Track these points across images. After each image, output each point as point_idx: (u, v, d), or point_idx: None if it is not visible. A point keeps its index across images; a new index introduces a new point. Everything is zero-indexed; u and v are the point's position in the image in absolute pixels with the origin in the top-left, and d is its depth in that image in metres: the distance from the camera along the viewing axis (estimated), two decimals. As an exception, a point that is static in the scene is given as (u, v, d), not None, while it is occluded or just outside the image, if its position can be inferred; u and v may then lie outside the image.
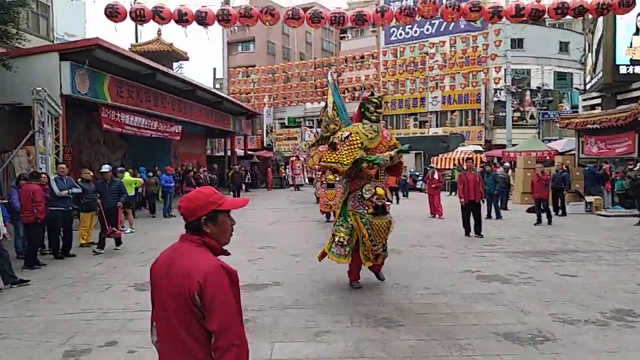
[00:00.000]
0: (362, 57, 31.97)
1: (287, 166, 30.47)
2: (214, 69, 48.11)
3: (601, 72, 17.66)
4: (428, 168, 15.22)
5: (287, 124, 41.94)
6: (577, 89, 29.39)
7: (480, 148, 29.20)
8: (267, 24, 10.37)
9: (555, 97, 33.29)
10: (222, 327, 1.73)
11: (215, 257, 1.88)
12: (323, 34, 48.85)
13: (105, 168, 9.86)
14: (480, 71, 29.35)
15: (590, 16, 13.29)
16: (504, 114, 29.62)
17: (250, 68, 35.78)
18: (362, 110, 6.47)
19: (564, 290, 6.23)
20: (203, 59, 79.75)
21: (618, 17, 14.76)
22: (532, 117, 32.71)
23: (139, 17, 10.05)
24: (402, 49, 32.21)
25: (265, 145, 39.27)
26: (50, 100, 11.52)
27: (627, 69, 16.77)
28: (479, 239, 10.29)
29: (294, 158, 28.19)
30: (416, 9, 9.87)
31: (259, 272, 7.28)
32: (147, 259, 8.45)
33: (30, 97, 11.07)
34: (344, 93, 34.38)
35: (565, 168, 15.71)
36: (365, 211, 6.18)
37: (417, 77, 31.09)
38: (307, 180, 27.99)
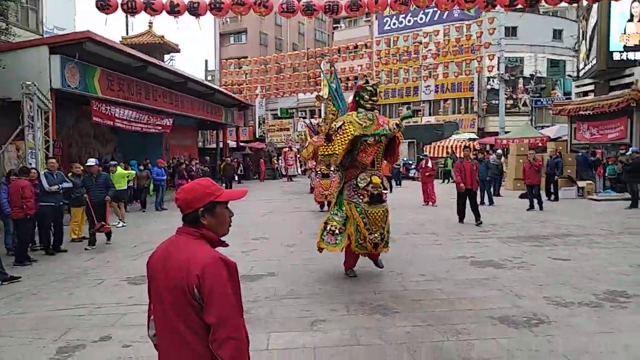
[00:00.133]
0: (356, 47, 31.82)
1: (280, 157, 30.40)
2: (206, 61, 47.84)
3: (595, 59, 17.70)
4: (422, 157, 15.23)
5: (279, 115, 41.79)
6: (570, 76, 29.45)
7: (474, 136, 29.26)
8: (260, 14, 10.27)
9: (548, 85, 33.35)
10: (220, 320, 1.71)
11: (214, 249, 1.86)
12: (316, 25, 48.55)
13: (92, 162, 9.60)
14: (473, 59, 29.26)
15: (585, 3, 13.25)
16: (497, 101, 29.65)
17: (242, 59, 35.51)
18: (357, 98, 6.39)
19: (557, 273, 6.27)
20: (195, 50, 79.21)
21: (613, 3, 14.73)
22: (524, 104, 32.76)
23: (131, 8, 9.91)
24: (395, 38, 32.03)
25: (257, 136, 39.13)
26: (40, 94, 11.38)
27: (621, 55, 16.83)
28: (472, 226, 10.30)
29: (287, 149, 28.11)
30: None
31: (253, 263, 7.26)
32: (140, 253, 8.41)
33: (19, 92, 10.93)
34: (327, 74, 34.18)
35: (558, 154, 15.77)
36: (361, 200, 6.11)
37: (411, 67, 31.00)
38: (300, 171, 27.97)
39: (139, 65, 16.20)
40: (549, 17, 35.47)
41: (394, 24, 35.72)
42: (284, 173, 29.03)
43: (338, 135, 6.06)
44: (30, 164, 10.38)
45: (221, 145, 29.75)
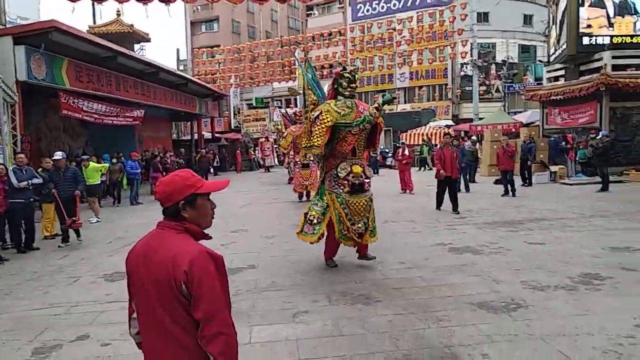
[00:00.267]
0: (330, 34, 31.62)
1: (257, 148, 30.16)
2: (177, 50, 46.88)
3: (565, 44, 18.00)
4: (398, 145, 15.30)
5: (254, 104, 41.36)
6: (540, 61, 29.98)
7: (451, 122, 29.57)
8: (233, 2, 10.05)
9: (520, 70, 33.87)
10: (209, 315, 1.68)
11: (197, 242, 1.81)
12: (289, 12, 48.01)
13: (58, 155, 9.21)
14: (447, 46, 29.50)
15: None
16: (470, 88, 29.97)
17: (215, 48, 34.96)
18: (335, 86, 6.28)
19: (533, 258, 6.41)
20: (165, 40, 77.43)
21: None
22: (497, 90, 33.24)
23: (97, -5, 9.57)
24: (369, 25, 31.96)
25: (233, 127, 38.68)
26: (5, 86, 10.95)
27: (590, 39, 17.15)
28: (449, 213, 10.41)
29: (263, 139, 27.91)
30: None
31: (233, 256, 7.19)
32: (115, 249, 8.25)
33: (-18, 84, 10.48)
34: (303, 64, 33.96)
35: (531, 139, 16.06)
36: (342, 190, 6.05)
37: (385, 54, 31.03)
38: (277, 161, 27.83)
39: (108, 55, 15.75)
40: (519, 3, 35.91)
41: (368, 10, 35.63)
42: (261, 164, 28.83)
43: (316, 125, 5.98)
44: (-3, 159, 10.01)
45: (196, 136, 29.32)
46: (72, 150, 17.71)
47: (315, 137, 5.96)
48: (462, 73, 33.29)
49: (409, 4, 32.56)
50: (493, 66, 33.33)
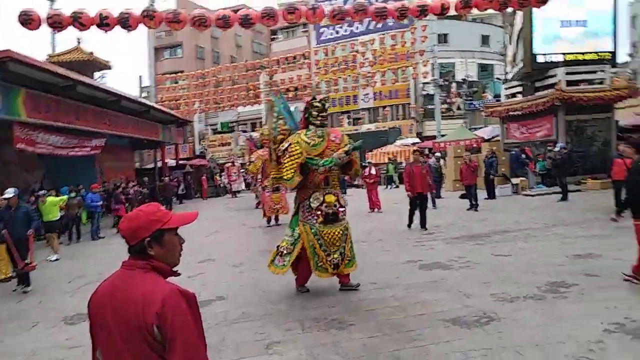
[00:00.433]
0: (294, 57, 31.99)
1: (223, 173, 29.82)
2: (140, 77, 46.20)
3: (521, 62, 18.74)
4: (365, 164, 15.41)
5: (220, 129, 41.12)
6: (498, 79, 31.09)
7: (417, 140, 30.11)
8: (199, 29, 9.97)
9: (479, 88, 35.08)
10: (186, 358, 1.56)
11: (166, 280, 1.71)
12: (253, 36, 48.38)
13: (9, 193, 8.47)
14: (409, 66, 30.26)
15: (510, 10, 13.97)
16: (432, 106, 30.74)
17: (178, 74, 34.72)
18: (306, 115, 6.24)
19: (500, 270, 6.49)
20: (128, 66, 76.52)
21: (535, 10, 15.64)
22: (458, 107, 34.24)
23: (56, 23, 9.26)
24: (333, 48, 32.55)
25: (198, 153, 38.22)
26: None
27: (545, 58, 17.93)
28: (417, 229, 10.47)
29: (229, 164, 27.63)
30: (347, 13, 9.89)
31: (200, 288, 6.91)
32: (76, 288, 7.85)
33: None
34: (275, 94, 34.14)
35: (492, 154, 16.47)
36: (315, 221, 5.94)
37: (349, 75, 31.56)
38: (244, 186, 27.57)
39: (67, 84, 15.34)
40: (476, 24, 37.42)
41: (331, 34, 36.32)
42: (228, 189, 28.49)
43: (286, 158, 5.90)
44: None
45: (160, 164, 28.74)
46: (28, 185, 17.02)
47: (285, 169, 5.87)
48: (424, 92, 34.17)
49: (371, 27, 33.36)
50: (454, 85, 34.39)
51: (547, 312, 4.72)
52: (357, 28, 34.98)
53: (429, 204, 14.17)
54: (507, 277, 6.06)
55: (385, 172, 24.20)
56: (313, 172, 6.00)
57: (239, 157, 26.78)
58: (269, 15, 9.61)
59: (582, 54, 17.93)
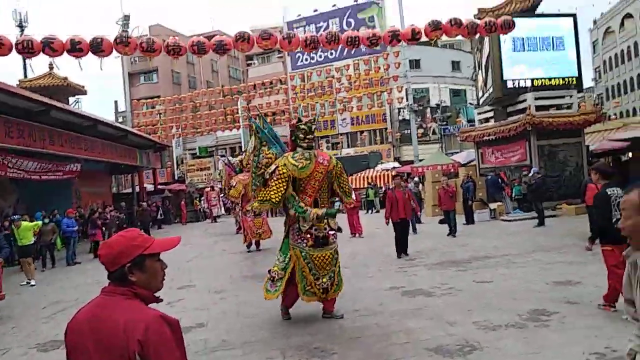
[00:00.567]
0: (271, 82, 32.22)
1: (202, 198, 29.52)
2: (116, 102, 45.70)
3: (491, 87, 19.28)
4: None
5: (198, 154, 40.85)
6: (471, 104, 31.91)
7: (397, 165, 30.47)
8: (173, 57, 9.99)
9: (453, 113, 35.94)
10: None
11: (147, 306, 1.67)
12: (229, 61, 48.63)
13: None
14: (383, 92, 30.83)
15: (477, 36, 14.43)
16: (408, 131, 31.27)
17: (154, 99, 34.52)
18: (293, 138, 6.22)
19: (482, 296, 6.53)
20: (103, 91, 75.67)
21: (502, 36, 16.23)
22: (434, 132, 34.92)
23: (27, 49, 9.14)
24: (309, 73, 33.04)
25: (176, 177, 37.85)
26: None
27: (514, 83, 18.50)
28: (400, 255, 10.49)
29: (209, 189, 27.41)
30: (319, 42, 10.07)
31: (180, 314, 6.76)
32: (50, 315, 7.62)
33: None
34: (255, 119, 34.27)
35: (469, 178, 16.75)
36: (305, 244, 5.88)
37: (326, 101, 31.93)
38: (224, 211, 27.31)
39: (41, 109, 15.12)
40: (447, 50, 38.55)
41: (307, 59, 36.86)
42: (207, 214, 28.17)
43: (272, 180, 5.86)
44: None
45: (137, 189, 28.31)
46: (2, 210, 16.52)
47: (272, 191, 5.80)
48: (400, 117, 34.80)
49: (344, 53, 34.00)
50: (428, 110, 35.14)
51: (529, 340, 4.75)
52: (331, 54, 35.62)
53: (409, 229, 14.33)
54: (489, 304, 6.11)
55: (365, 197, 24.34)
56: (302, 192, 5.98)
57: (219, 181, 26.57)
58: (242, 38, 9.68)
59: (550, 79, 18.58)
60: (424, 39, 10.65)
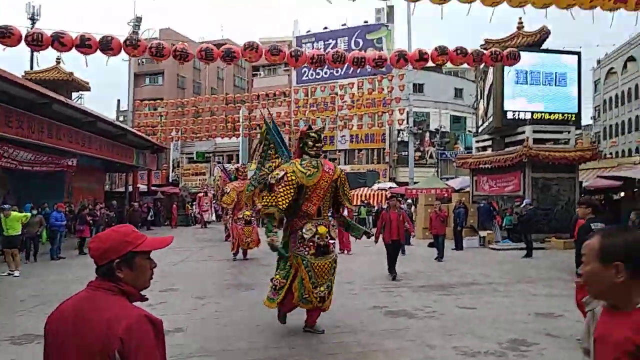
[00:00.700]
0: (275, 94, 32.43)
1: (194, 202, 29.45)
2: (118, 101, 45.88)
3: (492, 117, 19.48)
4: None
5: (195, 158, 40.89)
6: (470, 131, 32.19)
7: (395, 185, 30.55)
8: (180, 63, 10.08)
9: (451, 139, 36.19)
10: None
11: (132, 304, 1.66)
12: (235, 70, 49.03)
13: None
14: (385, 112, 31.10)
15: (482, 65, 14.60)
16: (406, 153, 31.45)
17: (157, 101, 34.66)
18: (301, 145, 6.20)
19: (465, 322, 6.52)
20: (107, 89, 75.87)
21: (506, 68, 16.45)
22: (431, 156, 35.13)
23: (36, 41, 9.21)
24: (313, 89, 33.27)
25: (171, 180, 37.77)
26: None
27: (514, 114, 18.70)
28: (385, 274, 10.44)
29: (202, 194, 27.37)
30: (325, 60, 10.20)
31: (160, 317, 6.74)
32: (28, 309, 7.54)
33: None
34: (255, 129, 34.47)
35: (461, 204, 16.80)
36: (307, 252, 5.82)
37: (328, 116, 32.14)
38: (215, 217, 27.24)
39: (43, 101, 15.15)
40: (451, 77, 39.03)
41: (312, 74, 37.13)
42: (198, 219, 28.08)
43: (280, 186, 5.76)
44: None
45: (130, 189, 28.24)
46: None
47: (279, 197, 5.71)
48: (399, 139, 35.01)
49: (350, 72, 34.28)
50: (427, 134, 35.40)
51: (507, 368, 4.74)
52: (337, 71, 35.71)
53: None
54: (470, 331, 6.09)
55: (356, 214, 24.32)
56: (307, 200, 5.93)
57: (212, 187, 26.58)
58: (251, 47, 9.79)
59: (549, 113, 18.79)
60: (429, 64, 10.79)
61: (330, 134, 36.02)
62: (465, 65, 11.61)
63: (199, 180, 37.18)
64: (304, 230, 5.87)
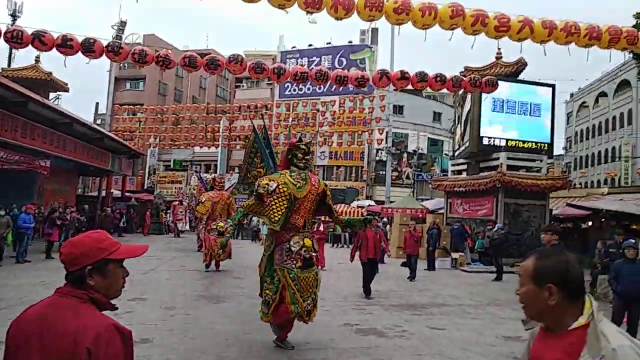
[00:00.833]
0: (256, 107, 32.48)
1: (169, 211, 29.04)
2: (97, 104, 45.21)
3: (468, 142, 19.91)
4: (314, 220, 15.47)
5: (172, 166, 40.42)
6: (446, 154, 32.78)
7: (373, 203, 30.72)
8: (162, 69, 10.03)
9: (428, 161, 36.80)
10: None
11: (101, 312, 1.62)
12: (218, 81, 48.91)
13: None
14: (365, 131, 31.48)
15: (461, 91, 14.96)
16: (384, 172, 31.78)
17: (137, 106, 34.30)
18: (290, 156, 6.16)
19: (434, 343, 6.57)
20: (86, 92, 74.77)
21: (483, 95, 16.90)
22: (408, 177, 35.59)
23: (16, 38, 9.04)
24: (295, 104, 33.46)
25: (146, 187, 37.21)
26: None
27: (489, 140, 19.16)
28: (359, 292, 10.41)
29: (177, 202, 27.03)
30: (308, 77, 10.31)
31: (129, 328, 6.58)
32: (-10, 312, 7.25)
33: None
34: (235, 140, 34.38)
35: (434, 225, 17.02)
36: (294, 265, 5.74)
37: (308, 132, 32.33)
38: (189, 227, 26.90)
39: (18, 100, 14.82)
40: (430, 100, 39.80)
41: (294, 90, 37.36)
42: (171, 228, 27.67)
43: (272, 198, 5.64)
44: None
45: (104, 193, 27.68)
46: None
47: (273, 209, 5.63)
48: (377, 158, 35.40)
49: (332, 89, 34.61)
50: (405, 154, 35.90)
51: (473, 389, 4.79)
52: (319, 88, 36.09)
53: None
54: (439, 352, 6.14)
55: (332, 230, 24.37)
56: (296, 212, 5.88)
57: (187, 196, 26.26)
58: (236, 60, 9.84)
59: (523, 141, 19.33)
60: (409, 87, 11.00)
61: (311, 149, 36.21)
62: (444, 90, 11.86)
63: (175, 188, 36.74)
64: (291, 243, 5.80)
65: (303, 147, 6.16)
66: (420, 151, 35.32)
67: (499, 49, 11.20)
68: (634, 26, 11.19)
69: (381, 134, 30.49)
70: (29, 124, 16.12)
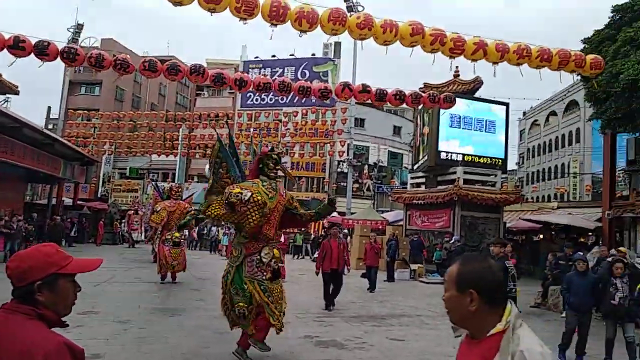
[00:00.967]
0: (217, 115, 32.09)
1: (124, 220, 28.10)
2: (49, 108, 43.37)
3: (426, 156, 20.38)
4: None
5: (128, 174, 39.22)
6: (406, 167, 33.41)
7: (335, 214, 30.73)
8: (120, 74, 9.74)
9: (388, 173, 37.39)
10: None
11: (51, 329, 1.53)
12: (179, 88, 48.09)
13: None
14: (327, 143, 31.67)
15: (420, 107, 15.32)
16: (345, 184, 32.03)
17: (92, 112, 33.17)
18: (261, 166, 6.07)
19: (393, 354, 6.62)
20: (38, 95, 71.72)
21: (442, 111, 17.37)
22: (368, 188, 36.00)
23: (-40, 39, 8.61)
24: (257, 113, 33.29)
25: (99, 195, 35.87)
26: None
27: (447, 155, 19.68)
28: (319, 303, 10.33)
29: (132, 212, 26.20)
30: (271, 87, 10.29)
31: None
32: None
33: None
34: (195, 149, 33.77)
35: (393, 237, 17.25)
36: (264, 277, 5.60)
37: (270, 142, 32.19)
38: (144, 237, 26.11)
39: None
40: (391, 115, 40.57)
41: (257, 99, 37.21)
42: (126, 238, 26.77)
43: (247, 208, 5.44)
44: None
45: (54, 201, 26.47)
46: None
47: (250, 219, 5.48)
48: (339, 169, 35.65)
49: (295, 100, 34.78)
50: (366, 167, 36.37)
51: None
52: (281, 99, 36.22)
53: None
54: (397, 362, 6.19)
55: (292, 241, 24.27)
56: (267, 222, 5.73)
57: (144, 205, 25.53)
58: (197, 72, 9.71)
59: (479, 156, 19.98)
60: (369, 101, 11.17)
61: (271, 160, 36.05)
62: (405, 106, 12.13)
63: (131, 197, 35.62)
64: (262, 254, 5.67)
65: (275, 156, 6.12)
66: (380, 164, 35.89)
67: (457, 67, 11.64)
68: (581, 50, 11.83)
69: (343, 146, 30.79)
70: (-27, 127, 15.28)
